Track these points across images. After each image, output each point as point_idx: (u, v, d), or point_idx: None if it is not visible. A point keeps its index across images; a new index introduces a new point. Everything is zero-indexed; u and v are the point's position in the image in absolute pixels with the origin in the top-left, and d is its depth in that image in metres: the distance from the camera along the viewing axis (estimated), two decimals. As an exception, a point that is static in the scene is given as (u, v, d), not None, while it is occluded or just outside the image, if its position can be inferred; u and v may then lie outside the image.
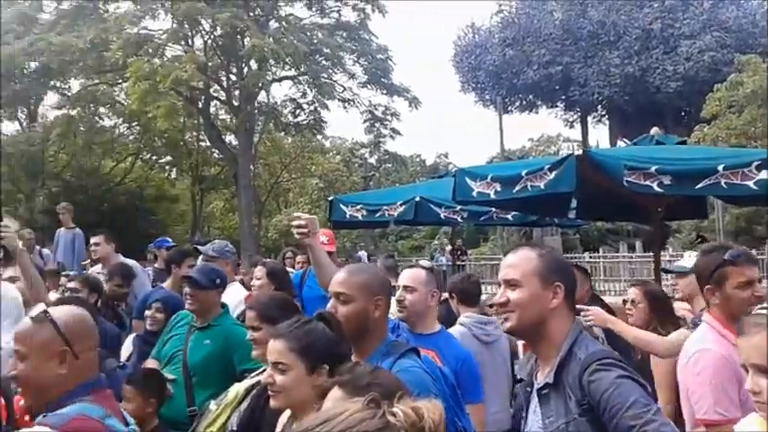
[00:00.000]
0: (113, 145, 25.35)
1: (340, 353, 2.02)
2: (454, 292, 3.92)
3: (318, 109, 23.23)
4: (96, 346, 2.07)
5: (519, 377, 4.18)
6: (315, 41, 21.43)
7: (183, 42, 21.01)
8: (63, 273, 5.65)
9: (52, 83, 22.15)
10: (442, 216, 6.26)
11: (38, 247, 8.66)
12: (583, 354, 1.77)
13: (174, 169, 28.79)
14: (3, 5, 20.91)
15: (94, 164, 25.72)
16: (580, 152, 4.12)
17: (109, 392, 2.05)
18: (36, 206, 21.42)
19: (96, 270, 5.23)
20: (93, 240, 5.29)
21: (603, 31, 28.45)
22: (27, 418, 1.68)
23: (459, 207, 5.96)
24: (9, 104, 21.34)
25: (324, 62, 22.41)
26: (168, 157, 27.72)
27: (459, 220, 6.58)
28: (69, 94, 23.51)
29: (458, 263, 16.34)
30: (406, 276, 3.01)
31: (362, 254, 14.67)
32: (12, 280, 3.81)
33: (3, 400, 1.57)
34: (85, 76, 21.93)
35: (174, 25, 20.30)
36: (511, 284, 1.86)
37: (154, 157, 27.79)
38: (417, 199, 6.13)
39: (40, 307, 1.98)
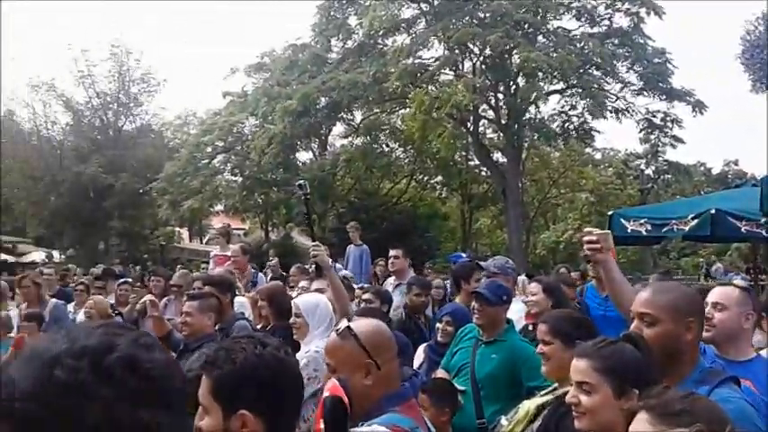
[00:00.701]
0: (390, 168, 27.31)
1: (650, 377, 1.88)
2: (765, 311, 3.45)
3: (588, 121, 22.45)
4: (396, 357, 2.18)
5: None
6: (585, 52, 20.79)
7: (453, 67, 21.90)
8: (359, 286, 6.16)
9: (340, 115, 24.58)
10: (742, 230, 5.57)
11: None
12: None
13: (445, 188, 30.02)
14: (297, 48, 23.84)
15: (375, 186, 27.95)
16: None
17: (413, 402, 2.12)
18: (327, 225, 23.84)
19: (390, 282, 5.62)
20: (392, 253, 5.69)
21: None
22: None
23: (764, 220, 5.26)
24: (305, 136, 24.11)
25: (595, 72, 21.61)
26: (439, 177, 29.01)
27: (765, 234, 5.77)
28: (354, 124, 25.95)
29: (759, 283, 14.36)
30: (717, 293, 2.72)
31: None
32: (320, 292, 4.28)
33: (346, 399, 1.74)
34: (368, 107, 23.98)
35: (446, 52, 21.26)
36: None
37: (426, 178, 29.25)
38: (713, 211, 5.56)
39: (344, 322, 2.10)
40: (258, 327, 4.83)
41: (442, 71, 21.61)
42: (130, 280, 8.97)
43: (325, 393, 1.75)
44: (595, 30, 21.95)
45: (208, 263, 11.29)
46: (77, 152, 28.41)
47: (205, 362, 1.64)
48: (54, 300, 7.24)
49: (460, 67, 22.23)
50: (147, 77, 29.50)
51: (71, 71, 28.90)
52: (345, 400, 1.72)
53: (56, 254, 24.79)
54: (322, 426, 1.70)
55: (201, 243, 34.88)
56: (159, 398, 0.82)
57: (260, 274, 8.69)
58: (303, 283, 6.09)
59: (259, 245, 23.26)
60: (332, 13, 23.05)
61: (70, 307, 7.48)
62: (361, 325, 2.05)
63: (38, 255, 24.45)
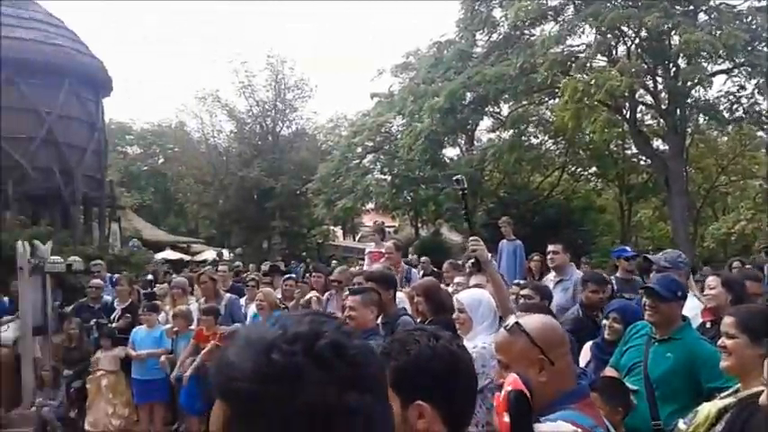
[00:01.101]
0: (541, 161, 26.62)
1: None
2: None
3: (759, 101, 20.48)
4: (569, 352, 2.12)
5: None
6: (753, 27, 18.98)
7: (606, 53, 20.89)
8: (515, 282, 6.06)
9: (486, 109, 24.31)
10: None
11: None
12: None
13: (600, 180, 28.77)
14: (442, 45, 23.87)
15: (524, 180, 27.38)
16: None
17: (590, 400, 2.06)
18: (476, 221, 23.69)
19: (550, 278, 5.48)
20: (551, 249, 5.54)
21: None
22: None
23: None
24: (452, 132, 24.11)
25: (765, 49, 19.64)
26: (593, 168, 27.85)
27: None
28: (501, 117, 25.57)
29: None
30: None
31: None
32: (478, 287, 4.26)
33: (527, 392, 1.73)
34: (515, 99, 23.50)
35: (598, 37, 20.31)
36: None
37: (579, 170, 28.22)
38: None
39: (512, 318, 2.09)
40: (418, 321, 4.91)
41: (595, 58, 20.65)
42: (294, 276, 9.47)
43: (507, 388, 1.74)
44: (764, 3, 19.98)
45: (362, 259, 11.67)
46: (241, 157, 30.47)
47: (381, 353, 1.69)
48: (228, 294, 7.83)
49: (614, 52, 21.15)
50: (301, 84, 31.05)
51: (232, 82, 31.16)
52: (528, 394, 1.70)
53: (225, 252, 26.72)
54: (506, 419, 1.69)
55: (354, 240, 36.10)
56: (362, 382, 0.85)
57: (413, 270, 8.82)
58: (458, 279, 6.11)
59: (409, 241, 23.65)
60: (476, 8, 22.82)
61: (242, 301, 8.04)
62: (531, 321, 2.03)
63: (209, 254, 26.52)
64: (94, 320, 8.63)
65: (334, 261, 19.72)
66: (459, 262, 8.32)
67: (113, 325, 8.40)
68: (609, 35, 20.23)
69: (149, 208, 35.68)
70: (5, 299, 10.44)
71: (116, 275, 10.72)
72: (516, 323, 2.01)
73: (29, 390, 8.61)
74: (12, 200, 13.70)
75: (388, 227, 27.34)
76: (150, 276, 12.62)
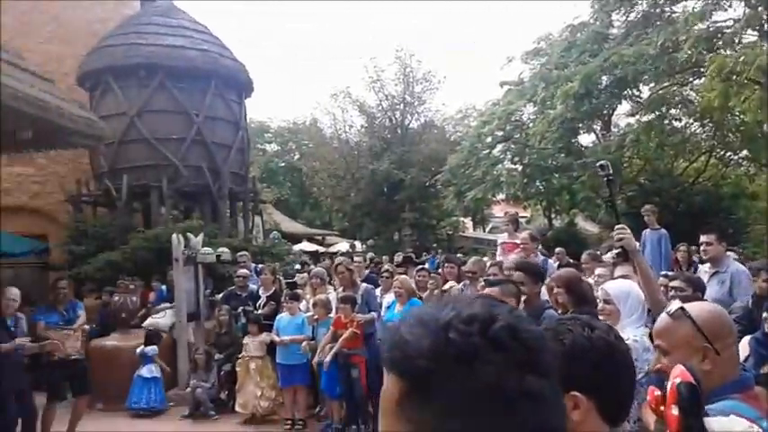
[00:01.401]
0: (685, 145, 24.94)
1: None
2: None
3: None
4: (735, 343, 2.02)
5: None
6: None
7: (756, 27, 19.16)
8: (663, 274, 5.75)
9: (625, 92, 23.09)
10: None
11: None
12: None
13: (752, 164, 26.56)
14: (575, 29, 22.95)
15: (667, 166, 25.82)
16: None
17: (755, 393, 1.95)
18: (617, 210, 22.55)
19: (704, 270, 5.15)
20: (703, 239, 5.21)
21: None
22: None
23: None
24: (587, 117, 23.14)
25: None
26: (744, 152, 25.72)
27: None
28: (640, 100, 24.20)
29: None
30: None
31: None
32: (625, 278, 4.09)
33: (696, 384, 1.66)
34: (656, 80, 22.15)
35: (747, 11, 18.67)
36: None
37: (728, 154, 26.19)
38: None
39: (676, 303, 2.00)
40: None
41: (744, 32, 19.01)
42: (427, 266, 9.56)
43: (677, 380, 1.67)
44: None
45: (493, 250, 11.53)
46: (371, 151, 31.12)
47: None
48: (364, 284, 8.05)
49: (765, 26, 19.36)
50: (429, 76, 31.14)
51: (362, 78, 31.88)
52: (698, 386, 1.63)
53: (358, 244, 27.41)
54: (675, 412, 1.62)
55: (484, 231, 35.77)
56: (539, 367, 0.85)
57: (549, 261, 8.61)
58: (600, 271, 5.89)
59: (542, 232, 23.04)
60: (613, -13, 21.78)
61: (377, 291, 8.23)
62: (697, 307, 1.95)
63: (343, 245, 27.32)
64: (242, 307, 9.18)
65: (459, 254, 19.63)
66: (598, 252, 8.04)
67: (259, 312, 8.90)
68: (759, 8, 18.54)
69: (286, 202, 37.32)
70: (163, 287, 11.37)
71: (260, 265, 11.31)
72: (681, 308, 1.94)
73: (184, 372, 9.35)
74: (166, 196, 14.78)
75: (521, 217, 26.79)
76: (298, 266, 13.27)
